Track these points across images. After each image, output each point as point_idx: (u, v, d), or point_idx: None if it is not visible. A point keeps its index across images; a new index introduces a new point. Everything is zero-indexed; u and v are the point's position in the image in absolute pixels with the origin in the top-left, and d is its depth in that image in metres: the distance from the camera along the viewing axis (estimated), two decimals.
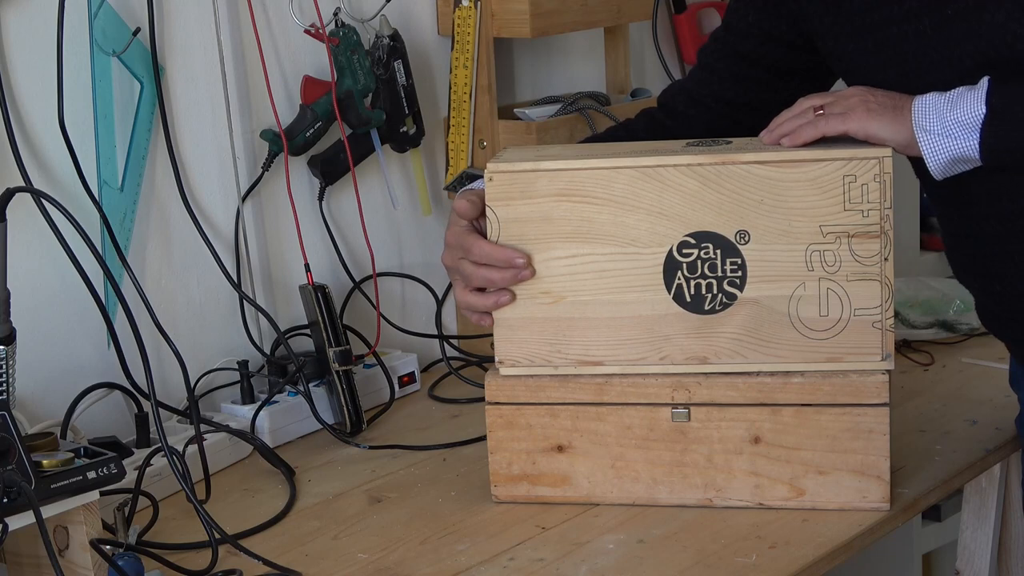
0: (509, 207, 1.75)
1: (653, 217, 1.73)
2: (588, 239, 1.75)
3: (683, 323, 1.75)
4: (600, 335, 1.77)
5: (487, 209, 1.76)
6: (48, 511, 1.54)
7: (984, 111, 1.63)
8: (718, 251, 1.73)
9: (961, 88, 1.66)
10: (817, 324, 1.72)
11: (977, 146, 1.64)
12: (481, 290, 1.79)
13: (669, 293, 1.74)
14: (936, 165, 1.67)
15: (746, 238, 1.71)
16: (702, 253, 1.73)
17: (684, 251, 1.73)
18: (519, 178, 1.75)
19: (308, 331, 2.19)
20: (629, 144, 1.87)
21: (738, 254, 1.72)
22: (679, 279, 1.74)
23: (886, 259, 1.70)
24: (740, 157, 1.70)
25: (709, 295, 1.74)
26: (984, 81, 1.65)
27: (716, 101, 1.96)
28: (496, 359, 1.80)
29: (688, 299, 1.74)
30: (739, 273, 1.73)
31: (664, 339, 1.75)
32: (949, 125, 1.65)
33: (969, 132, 1.64)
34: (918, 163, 1.73)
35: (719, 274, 1.73)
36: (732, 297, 1.73)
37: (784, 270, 1.71)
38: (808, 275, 1.71)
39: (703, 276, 1.73)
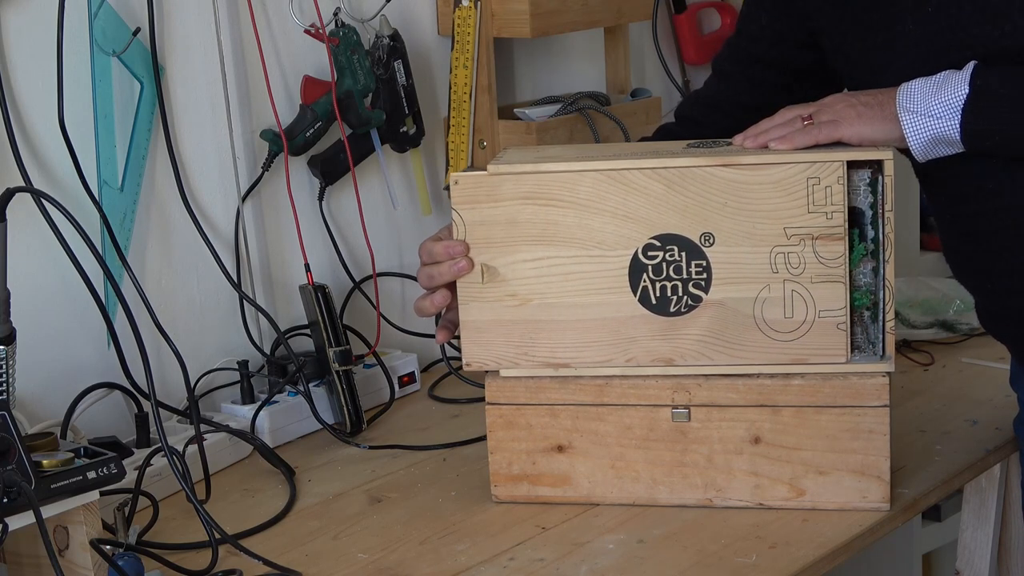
0: (475, 210, 1.75)
1: (618, 220, 1.73)
2: (554, 242, 1.75)
3: (649, 325, 1.75)
4: (566, 337, 1.77)
5: (452, 212, 1.76)
6: (48, 511, 1.54)
7: (967, 91, 1.64)
8: (683, 253, 1.73)
9: (947, 71, 1.67)
10: (782, 326, 1.72)
11: (958, 127, 1.65)
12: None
13: (635, 295, 1.75)
14: (917, 145, 1.68)
15: (711, 240, 1.72)
16: (667, 255, 1.73)
17: (649, 253, 1.73)
18: (484, 181, 1.75)
19: (308, 331, 2.19)
20: (629, 145, 1.87)
21: (703, 256, 1.72)
22: (644, 281, 1.74)
23: (887, 260, 1.70)
24: (703, 160, 1.70)
25: (674, 297, 1.74)
26: (970, 64, 1.66)
27: (732, 107, 1.97)
28: (463, 362, 1.80)
29: (654, 301, 1.74)
30: (704, 275, 1.73)
31: (630, 341, 1.76)
32: (932, 106, 1.66)
33: (951, 113, 1.65)
34: (918, 162, 1.73)
35: (684, 276, 1.73)
36: (697, 299, 1.73)
37: (749, 272, 1.72)
38: (773, 277, 1.71)
39: (668, 278, 1.73)
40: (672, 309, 1.74)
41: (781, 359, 1.73)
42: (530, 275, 1.76)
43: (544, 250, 1.75)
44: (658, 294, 1.74)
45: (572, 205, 1.73)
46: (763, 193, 1.69)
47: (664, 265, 1.73)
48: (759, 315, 1.73)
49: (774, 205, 1.70)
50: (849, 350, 1.72)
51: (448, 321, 1.82)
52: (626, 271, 1.74)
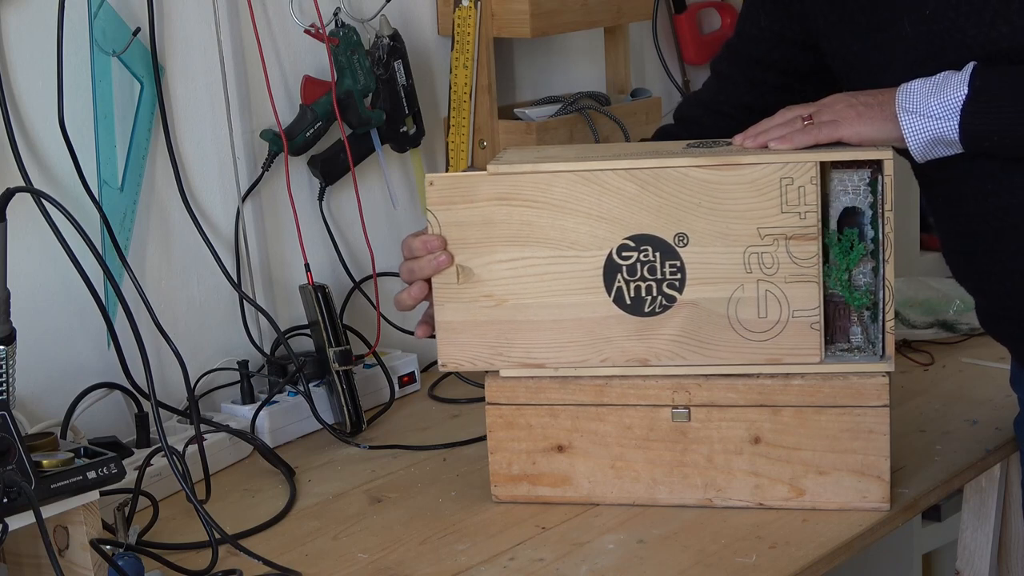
0: (450, 211, 1.76)
1: (592, 220, 1.73)
2: (529, 243, 1.75)
3: (623, 325, 1.75)
4: (542, 338, 1.77)
5: (427, 213, 1.76)
6: (48, 511, 1.54)
7: (966, 92, 1.64)
8: (657, 254, 1.73)
9: (946, 72, 1.67)
10: (756, 325, 1.73)
11: (957, 127, 1.65)
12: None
13: (609, 296, 1.75)
14: (916, 145, 1.68)
15: (685, 240, 1.72)
16: (641, 256, 1.73)
17: (623, 254, 1.74)
18: (459, 182, 1.75)
19: (308, 331, 2.19)
20: (629, 145, 1.88)
21: (677, 256, 1.72)
22: (619, 282, 1.74)
23: (887, 260, 1.70)
24: (677, 161, 1.70)
25: (649, 297, 1.74)
26: (970, 64, 1.66)
27: (734, 108, 1.97)
28: (439, 362, 1.80)
29: (628, 302, 1.75)
30: (678, 275, 1.73)
31: (605, 341, 1.76)
32: (931, 106, 1.66)
33: (950, 114, 1.65)
34: (916, 163, 1.73)
35: (658, 276, 1.73)
36: (671, 299, 1.74)
37: (722, 272, 1.72)
38: (746, 277, 1.72)
39: (643, 279, 1.74)
40: (647, 309, 1.74)
41: (755, 359, 1.73)
42: (505, 276, 1.76)
43: (519, 251, 1.75)
44: (632, 294, 1.74)
45: (546, 206, 1.74)
46: (736, 193, 1.70)
47: (638, 265, 1.73)
48: (733, 315, 1.73)
49: (747, 205, 1.70)
50: (823, 350, 1.72)
51: (428, 316, 1.83)
52: (600, 271, 1.74)
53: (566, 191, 1.73)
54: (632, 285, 1.74)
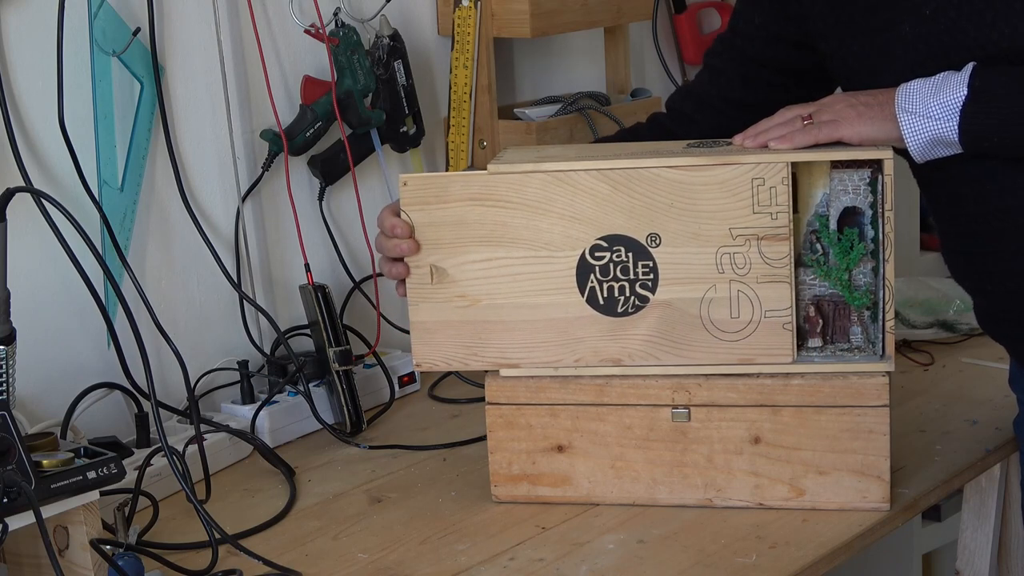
0: (424, 211, 1.76)
1: (565, 221, 1.73)
2: (502, 243, 1.75)
3: (597, 325, 1.75)
4: (515, 338, 1.77)
5: (401, 213, 1.77)
6: (48, 511, 1.54)
7: (965, 93, 1.64)
8: (630, 254, 1.73)
9: (946, 72, 1.67)
10: (728, 326, 1.73)
11: (956, 128, 1.65)
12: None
13: (582, 296, 1.75)
14: (916, 146, 1.68)
15: (657, 241, 1.72)
16: (614, 256, 1.73)
17: (596, 254, 1.74)
18: (433, 182, 1.76)
19: (308, 331, 2.19)
20: (629, 145, 1.87)
21: (649, 257, 1.73)
22: (592, 282, 1.75)
23: (887, 260, 1.70)
24: (649, 162, 1.70)
25: (622, 298, 1.74)
26: (969, 65, 1.66)
27: (725, 103, 1.97)
28: (414, 362, 1.81)
29: (601, 302, 1.75)
30: (651, 276, 1.73)
31: (578, 341, 1.76)
32: (931, 107, 1.66)
33: (949, 114, 1.65)
34: (916, 163, 1.73)
35: (631, 277, 1.73)
36: (644, 299, 1.74)
37: (695, 272, 1.72)
38: (719, 277, 1.72)
39: (615, 279, 1.74)
40: (619, 309, 1.75)
41: (728, 359, 1.74)
42: (479, 276, 1.77)
43: (493, 251, 1.76)
44: (605, 295, 1.75)
45: (520, 206, 1.74)
46: (708, 194, 1.70)
47: (611, 266, 1.74)
48: (705, 315, 1.73)
49: (719, 206, 1.70)
50: (795, 350, 1.72)
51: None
52: (573, 272, 1.75)
53: (539, 191, 1.73)
54: (605, 285, 1.74)
